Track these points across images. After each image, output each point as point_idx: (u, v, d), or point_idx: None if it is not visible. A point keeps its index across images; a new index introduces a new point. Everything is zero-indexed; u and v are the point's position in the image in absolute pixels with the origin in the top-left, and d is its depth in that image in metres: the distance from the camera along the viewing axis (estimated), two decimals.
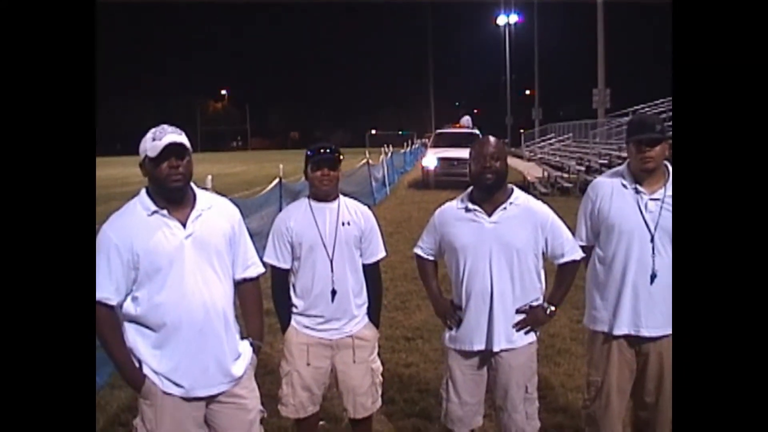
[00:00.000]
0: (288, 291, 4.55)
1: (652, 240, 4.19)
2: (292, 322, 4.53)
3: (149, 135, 3.44)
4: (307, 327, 4.48)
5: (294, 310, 4.53)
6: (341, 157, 4.50)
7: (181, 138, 3.44)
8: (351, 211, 4.56)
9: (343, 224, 4.47)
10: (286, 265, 4.49)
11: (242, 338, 3.81)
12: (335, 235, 4.44)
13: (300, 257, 4.45)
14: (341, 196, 4.60)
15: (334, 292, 4.42)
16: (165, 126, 3.47)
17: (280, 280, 4.55)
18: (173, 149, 3.40)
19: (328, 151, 4.43)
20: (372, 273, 4.66)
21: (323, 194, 4.47)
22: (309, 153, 4.47)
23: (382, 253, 4.70)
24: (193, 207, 3.55)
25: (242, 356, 3.73)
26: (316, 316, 4.46)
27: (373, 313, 4.66)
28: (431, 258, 4.53)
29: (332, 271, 4.42)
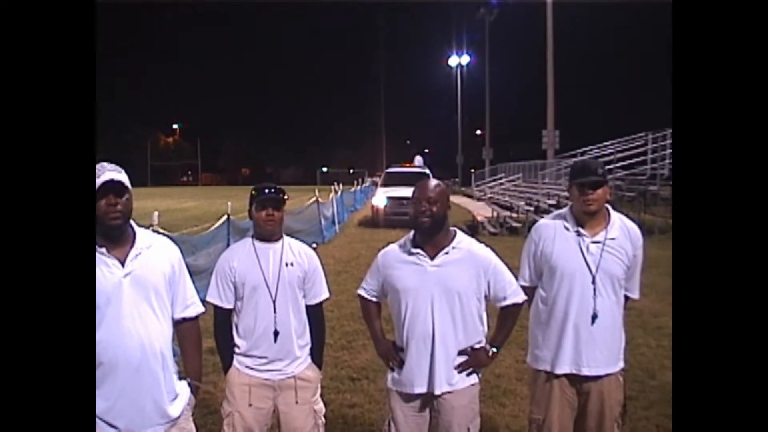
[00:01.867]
0: (230, 331, 4.50)
1: (593, 281, 4.26)
2: (235, 363, 4.48)
3: None
4: (249, 367, 4.43)
5: (236, 350, 4.48)
6: (286, 197, 4.50)
7: (120, 176, 3.41)
8: (295, 251, 4.55)
9: (286, 265, 4.45)
10: (228, 305, 4.45)
11: (180, 378, 3.75)
12: (278, 276, 4.42)
13: (243, 297, 4.42)
14: (285, 237, 4.59)
15: (276, 333, 4.39)
16: (104, 164, 3.44)
17: (222, 319, 4.50)
18: (111, 187, 3.36)
19: (272, 191, 4.44)
20: (315, 314, 4.63)
21: (267, 234, 4.46)
22: (253, 193, 4.47)
23: (325, 294, 4.68)
24: (132, 245, 3.52)
25: (180, 396, 3.68)
26: (258, 357, 4.42)
27: (316, 354, 4.63)
28: (374, 299, 4.52)
29: (275, 311, 4.39)
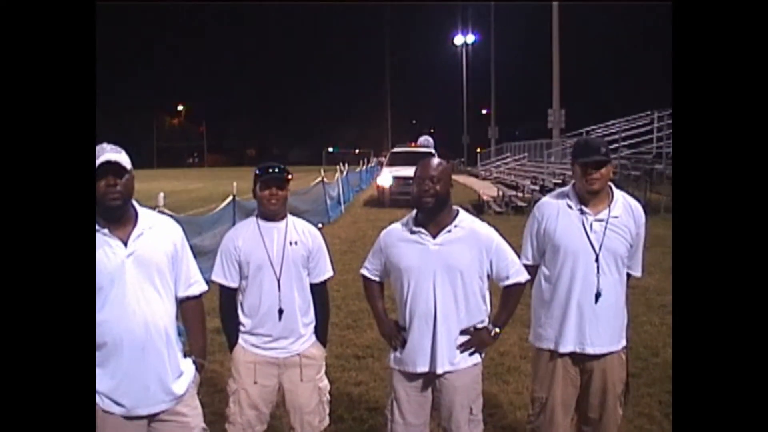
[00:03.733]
0: (236, 310, 4.53)
1: (596, 260, 4.27)
2: (240, 341, 4.51)
3: None
4: (254, 345, 4.47)
5: (242, 328, 4.51)
6: (290, 176, 4.51)
7: (119, 156, 3.42)
8: (299, 230, 4.57)
9: (290, 244, 4.48)
10: (234, 284, 4.48)
11: (185, 356, 3.78)
12: (282, 255, 4.44)
13: (248, 276, 4.44)
14: (289, 216, 4.60)
15: (281, 311, 4.42)
16: (104, 144, 3.45)
17: (228, 299, 4.53)
18: (110, 168, 3.37)
19: (276, 170, 4.44)
20: (319, 292, 4.66)
21: (271, 214, 4.48)
22: (257, 172, 4.48)
23: (329, 273, 4.71)
24: (134, 226, 3.54)
25: (184, 374, 3.71)
26: (263, 335, 4.45)
27: (321, 332, 4.66)
28: (377, 279, 4.54)
29: (279, 290, 4.42)
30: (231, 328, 4.56)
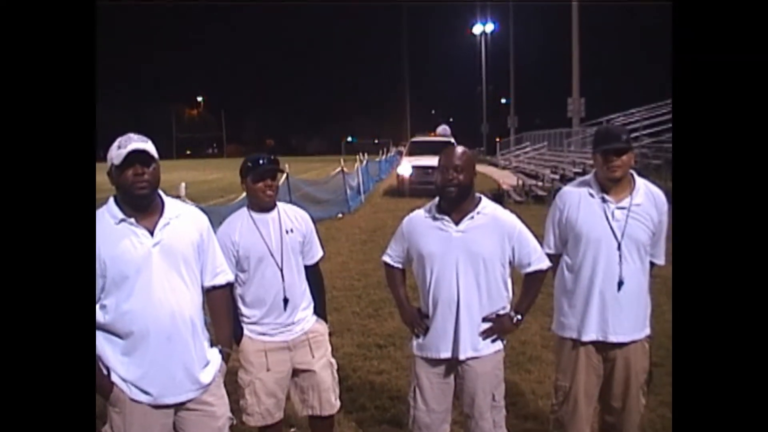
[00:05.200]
0: (235, 302, 4.52)
1: (619, 248, 4.25)
2: (246, 332, 4.54)
3: (115, 143, 3.45)
4: (262, 333, 4.51)
5: (246, 320, 4.54)
6: (281, 167, 4.56)
7: (147, 145, 3.44)
8: (291, 217, 4.60)
9: (287, 232, 4.51)
10: (232, 279, 4.40)
11: (211, 346, 3.81)
12: (282, 245, 4.47)
13: (248, 270, 4.46)
14: (278, 203, 4.62)
15: (286, 301, 4.47)
16: (131, 134, 3.48)
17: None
18: (138, 156, 3.40)
19: (267, 161, 4.46)
20: (314, 273, 4.75)
21: (266, 205, 4.50)
22: (249, 164, 4.48)
23: (321, 253, 4.80)
24: (161, 215, 3.56)
25: (211, 363, 3.73)
26: (270, 323, 4.50)
27: (321, 310, 4.75)
28: (399, 266, 4.55)
29: (283, 279, 4.46)
30: (234, 321, 4.56)
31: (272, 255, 4.44)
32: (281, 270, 4.45)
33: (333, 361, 4.73)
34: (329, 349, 4.73)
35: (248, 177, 4.46)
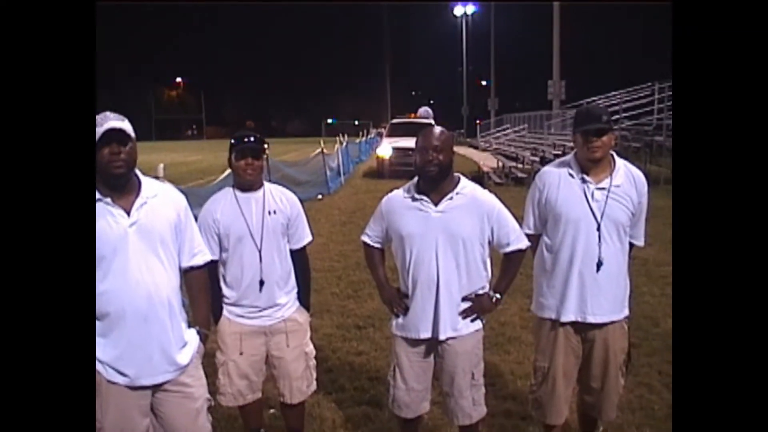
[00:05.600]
0: (217, 281, 4.52)
1: (598, 228, 4.26)
2: (225, 312, 4.53)
3: None
4: (239, 316, 4.50)
5: (226, 300, 4.52)
6: (266, 146, 4.51)
7: (123, 124, 3.39)
8: (276, 199, 4.56)
9: (269, 213, 4.47)
10: (214, 256, 4.43)
11: (189, 327, 3.79)
12: (262, 225, 4.44)
13: (228, 249, 4.44)
14: (266, 184, 4.59)
15: (261, 283, 4.44)
16: (107, 113, 3.42)
17: (209, 271, 4.51)
18: (114, 135, 3.35)
19: (252, 140, 4.42)
20: (300, 258, 4.69)
21: (248, 184, 4.46)
22: (233, 141, 4.46)
23: (308, 238, 4.73)
24: (137, 195, 3.52)
25: (188, 345, 3.71)
26: (247, 306, 4.48)
27: (304, 297, 4.71)
28: (378, 246, 4.54)
29: (261, 261, 4.43)
30: (214, 300, 4.51)
31: (252, 235, 4.41)
32: (260, 251, 4.41)
33: (309, 349, 4.71)
34: (307, 338, 4.71)
35: (232, 154, 4.44)
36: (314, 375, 4.76)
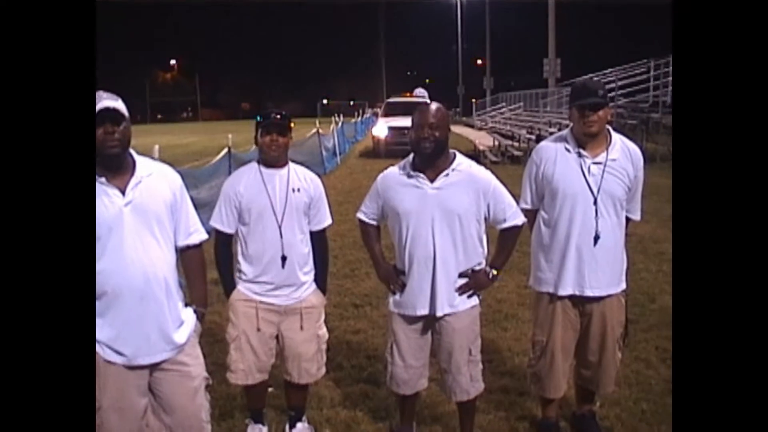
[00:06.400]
0: (230, 256, 4.54)
1: (595, 203, 4.27)
2: (241, 288, 4.52)
3: None
4: (256, 293, 4.47)
5: (243, 277, 4.51)
6: (292, 124, 4.49)
7: (117, 103, 3.37)
8: (301, 177, 4.55)
9: (293, 191, 4.46)
10: (230, 230, 4.47)
11: (186, 305, 3.78)
12: (285, 202, 4.42)
13: (248, 223, 4.43)
14: (291, 163, 4.58)
15: (284, 259, 4.42)
16: (100, 92, 3.39)
17: (222, 245, 4.54)
18: (108, 115, 3.33)
19: (278, 116, 4.42)
20: (319, 240, 4.67)
21: (272, 160, 4.45)
22: (259, 118, 4.46)
23: (329, 221, 4.71)
24: (132, 174, 3.50)
25: (185, 323, 3.70)
26: (266, 283, 4.45)
27: (321, 280, 4.68)
28: (374, 223, 4.53)
29: (282, 237, 4.41)
30: (226, 274, 4.58)
31: (274, 211, 4.40)
32: (280, 227, 4.40)
33: (322, 332, 4.70)
34: (321, 321, 4.69)
35: (258, 131, 4.43)
36: (324, 358, 4.74)
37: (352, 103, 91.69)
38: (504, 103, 49.73)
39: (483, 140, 32.41)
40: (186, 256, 3.84)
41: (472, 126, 52.10)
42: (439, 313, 4.22)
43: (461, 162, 4.22)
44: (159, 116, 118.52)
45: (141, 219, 3.48)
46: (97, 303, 3.43)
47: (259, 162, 4.52)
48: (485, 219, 4.26)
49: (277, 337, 4.57)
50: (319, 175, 4.80)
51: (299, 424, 4.82)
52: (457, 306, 4.25)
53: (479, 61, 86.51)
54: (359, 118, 48.66)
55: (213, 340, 6.02)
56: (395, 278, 4.36)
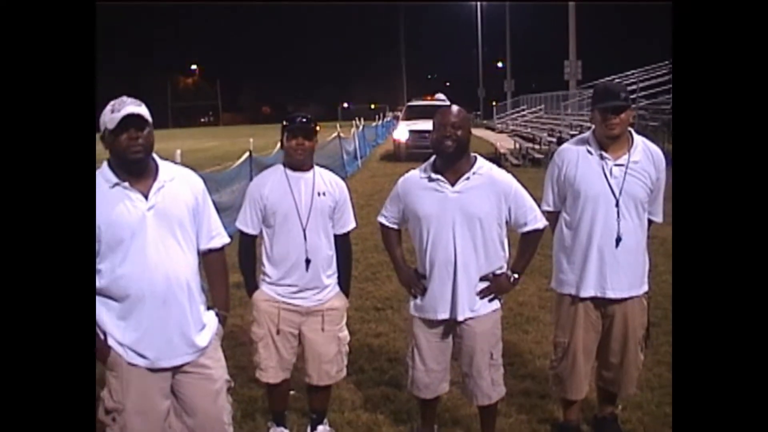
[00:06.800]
0: (253, 256, 4.58)
1: (617, 204, 4.27)
2: (265, 289, 4.54)
3: (108, 107, 3.41)
4: (279, 295, 4.50)
5: (267, 279, 4.54)
6: (317, 128, 4.51)
7: (141, 109, 3.40)
8: (326, 181, 4.58)
9: (318, 194, 4.49)
10: (254, 232, 4.52)
11: (207, 309, 3.80)
12: (310, 205, 4.45)
13: (273, 226, 4.47)
14: (316, 167, 4.61)
15: (308, 261, 4.44)
16: (124, 98, 3.43)
17: (246, 245, 4.58)
18: (132, 120, 3.36)
19: (304, 120, 4.46)
20: (343, 243, 4.69)
21: (297, 163, 4.48)
22: (285, 122, 4.49)
23: (353, 224, 4.73)
24: (155, 178, 3.52)
25: (207, 327, 3.72)
26: (289, 285, 4.48)
27: (344, 283, 4.70)
28: (395, 226, 4.54)
29: (305, 240, 4.43)
30: (249, 274, 4.63)
31: (299, 214, 4.43)
32: (305, 230, 4.43)
33: (343, 334, 4.71)
34: (342, 323, 4.71)
35: (284, 135, 4.47)
36: (345, 361, 4.75)
37: (372, 106, 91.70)
38: (525, 106, 49.59)
39: (504, 143, 32.31)
40: (208, 259, 3.85)
41: (492, 129, 52.02)
42: (460, 317, 4.22)
43: (482, 165, 4.22)
44: (180, 121, 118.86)
45: (164, 223, 3.50)
46: (120, 306, 3.46)
47: (284, 165, 4.54)
48: (506, 222, 4.25)
49: (298, 337, 4.58)
50: (341, 179, 4.82)
51: (320, 427, 4.83)
52: (478, 310, 4.24)
53: (500, 64, 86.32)
54: (380, 122, 48.65)
55: (235, 344, 6.05)
56: (416, 282, 4.36)
